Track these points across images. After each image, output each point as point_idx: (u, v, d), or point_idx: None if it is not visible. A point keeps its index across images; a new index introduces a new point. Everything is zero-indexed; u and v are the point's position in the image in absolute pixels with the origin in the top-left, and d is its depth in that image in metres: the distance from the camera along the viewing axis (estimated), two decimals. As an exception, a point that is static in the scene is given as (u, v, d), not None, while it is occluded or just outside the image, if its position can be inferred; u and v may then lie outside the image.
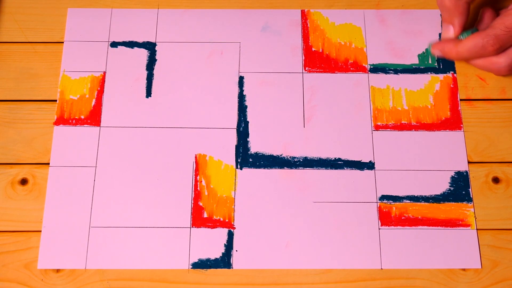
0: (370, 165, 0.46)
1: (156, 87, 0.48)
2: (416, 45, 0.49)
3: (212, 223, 0.44)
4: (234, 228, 0.44)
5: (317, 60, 0.49)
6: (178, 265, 0.43)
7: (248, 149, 0.46)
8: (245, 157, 0.46)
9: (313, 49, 0.49)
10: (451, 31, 0.46)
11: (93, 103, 0.47)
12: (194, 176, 0.45)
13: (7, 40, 0.49)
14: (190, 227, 0.44)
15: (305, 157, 0.46)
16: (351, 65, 0.49)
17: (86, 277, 0.43)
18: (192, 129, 0.47)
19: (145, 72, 0.48)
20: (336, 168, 0.45)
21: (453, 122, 0.47)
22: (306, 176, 0.45)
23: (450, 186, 0.45)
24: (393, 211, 0.44)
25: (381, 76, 0.48)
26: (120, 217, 0.44)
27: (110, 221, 0.44)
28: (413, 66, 0.49)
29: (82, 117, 0.47)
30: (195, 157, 0.46)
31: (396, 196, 0.45)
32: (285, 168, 0.45)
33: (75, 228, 0.44)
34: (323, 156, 0.46)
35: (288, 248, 0.43)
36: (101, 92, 0.48)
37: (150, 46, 0.49)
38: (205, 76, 0.48)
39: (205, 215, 0.44)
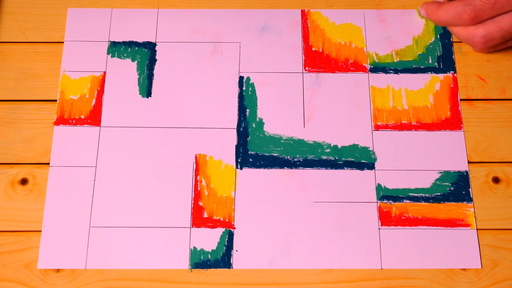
0: (370, 165, 0.46)
1: (156, 87, 0.48)
2: (416, 44, 0.49)
3: (212, 223, 0.44)
4: (234, 228, 0.44)
5: (317, 60, 0.49)
6: (178, 265, 0.43)
7: (248, 149, 0.46)
8: (245, 157, 0.46)
9: (313, 49, 0.49)
10: None
11: (93, 103, 0.47)
12: (194, 176, 0.45)
13: (7, 40, 0.49)
14: (190, 227, 0.44)
15: (305, 157, 0.46)
16: (351, 65, 0.49)
17: (86, 277, 0.43)
18: (192, 129, 0.47)
19: (146, 72, 0.48)
20: (336, 168, 0.45)
21: (453, 122, 0.47)
22: (306, 176, 0.45)
23: (450, 186, 0.45)
24: (393, 211, 0.44)
25: (381, 76, 0.48)
26: (120, 217, 0.44)
27: (110, 221, 0.44)
28: (413, 66, 0.49)
29: (82, 117, 0.47)
30: (195, 157, 0.46)
31: (396, 196, 0.45)
32: (285, 168, 0.45)
33: (75, 228, 0.44)
34: (323, 156, 0.46)
35: (288, 248, 0.43)
36: (101, 92, 0.48)
37: (150, 46, 0.49)
38: (205, 76, 0.48)
39: (205, 215, 0.44)
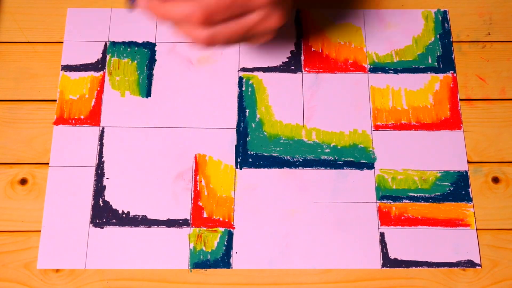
0: (369, 165, 0.46)
1: (156, 87, 0.48)
2: (416, 44, 0.49)
3: (211, 223, 0.44)
4: (234, 228, 0.44)
5: (317, 60, 0.49)
6: (178, 265, 0.43)
7: (248, 149, 0.46)
8: (245, 157, 0.46)
9: (312, 49, 0.49)
10: None
11: (92, 103, 0.47)
12: (194, 176, 0.45)
13: (7, 40, 0.49)
14: (190, 227, 0.44)
15: (305, 157, 0.46)
16: (350, 65, 0.49)
17: (86, 277, 0.42)
18: (192, 129, 0.47)
19: (145, 72, 0.48)
20: (336, 168, 0.45)
21: (453, 122, 0.47)
22: (306, 176, 0.45)
23: (449, 186, 0.45)
24: (393, 211, 0.44)
25: (380, 75, 0.48)
26: (120, 217, 0.44)
27: (110, 221, 0.44)
28: (413, 66, 0.49)
29: (82, 117, 0.47)
30: (195, 157, 0.46)
31: (395, 196, 0.45)
32: (284, 168, 0.45)
33: (75, 228, 0.44)
34: (323, 156, 0.46)
35: (288, 248, 0.43)
36: (100, 92, 0.48)
37: (149, 46, 0.49)
38: (205, 76, 0.48)
39: (205, 215, 0.44)
